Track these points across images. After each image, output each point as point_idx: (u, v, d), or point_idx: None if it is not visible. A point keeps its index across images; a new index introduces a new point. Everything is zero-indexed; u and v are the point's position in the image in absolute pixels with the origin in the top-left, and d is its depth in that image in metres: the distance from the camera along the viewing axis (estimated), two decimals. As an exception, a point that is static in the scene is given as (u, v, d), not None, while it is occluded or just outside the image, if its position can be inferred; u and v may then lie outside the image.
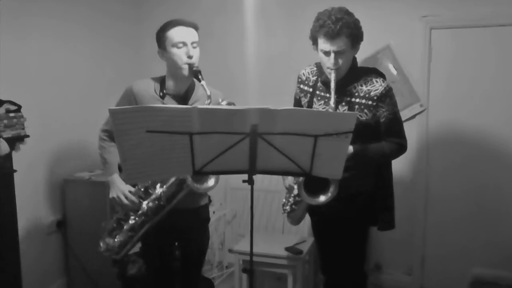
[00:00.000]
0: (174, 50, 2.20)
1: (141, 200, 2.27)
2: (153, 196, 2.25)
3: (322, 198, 2.25)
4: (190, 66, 2.20)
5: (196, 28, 2.26)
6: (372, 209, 2.50)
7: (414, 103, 3.42)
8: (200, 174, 1.90)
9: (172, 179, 2.21)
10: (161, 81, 2.33)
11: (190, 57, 2.19)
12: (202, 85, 2.14)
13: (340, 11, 2.22)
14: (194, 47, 2.22)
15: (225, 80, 3.69)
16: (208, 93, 2.10)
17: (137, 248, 2.48)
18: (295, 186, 2.41)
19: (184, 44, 2.20)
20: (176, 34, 2.20)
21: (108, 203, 2.37)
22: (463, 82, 3.34)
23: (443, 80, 3.39)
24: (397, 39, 3.42)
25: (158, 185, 2.25)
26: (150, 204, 2.25)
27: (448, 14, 3.30)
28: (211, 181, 2.19)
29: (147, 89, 2.29)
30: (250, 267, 2.08)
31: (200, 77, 2.16)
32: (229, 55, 3.89)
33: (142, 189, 2.28)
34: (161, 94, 2.29)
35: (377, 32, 3.34)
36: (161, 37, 2.24)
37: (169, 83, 2.31)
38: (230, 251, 3.29)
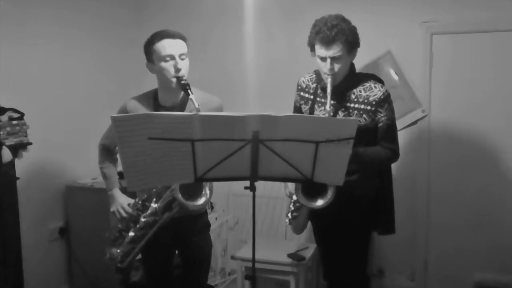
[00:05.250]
0: (162, 64, 2.17)
1: (139, 213, 2.28)
2: (149, 211, 2.24)
3: (320, 202, 2.24)
4: (179, 79, 2.16)
5: (183, 39, 2.22)
6: (373, 212, 2.51)
7: (416, 109, 3.42)
8: (202, 181, 1.90)
9: (166, 194, 2.20)
10: (154, 94, 2.32)
11: (178, 70, 2.16)
12: (191, 98, 2.08)
13: (336, 18, 2.26)
14: (182, 59, 2.19)
15: (225, 86, 3.70)
16: (197, 106, 2.03)
17: (140, 255, 2.49)
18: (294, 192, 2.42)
19: (172, 57, 2.16)
20: (163, 47, 2.16)
21: (110, 213, 2.39)
22: (464, 87, 3.34)
23: (444, 85, 3.39)
24: (398, 45, 3.43)
25: (153, 200, 2.24)
26: (147, 218, 2.25)
27: (448, 20, 3.30)
28: (201, 200, 2.15)
29: (141, 105, 2.28)
30: (253, 274, 2.08)
31: (188, 90, 2.11)
32: (229, 61, 3.89)
33: (140, 202, 2.29)
34: (155, 109, 2.27)
35: (378, 38, 3.36)
36: (148, 50, 2.22)
37: (162, 96, 2.29)
38: (233, 257, 3.29)
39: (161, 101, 2.29)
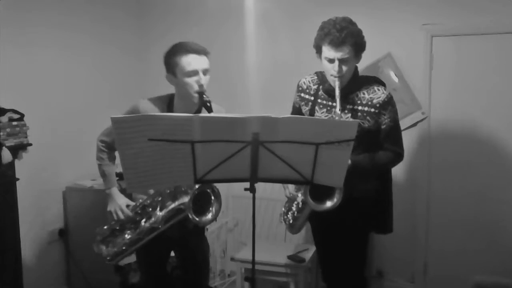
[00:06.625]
0: (186, 79, 2.15)
1: (138, 218, 2.27)
2: (153, 219, 2.23)
3: (329, 204, 2.27)
4: (200, 95, 2.15)
5: (207, 54, 2.20)
6: (372, 214, 2.51)
7: (416, 111, 3.42)
8: (202, 183, 1.90)
9: (173, 205, 2.19)
10: (169, 101, 2.29)
11: (201, 86, 2.15)
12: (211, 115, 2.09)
13: (344, 21, 2.28)
14: (205, 75, 2.18)
15: (228, 90, 3.71)
16: None
17: (133, 256, 2.49)
18: (299, 194, 2.42)
19: (196, 73, 2.15)
20: (188, 62, 2.14)
21: (106, 212, 2.38)
22: (464, 89, 3.34)
23: (444, 87, 3.39)
24: (398, 47, 3.43)
25: (158, 208, 2.23)
26: (148, 225, 2.24)
27: (448, 22, 3.31)
28: (210, 215, 2.18)
29: (154, 109, 2.24)
30: (252, 276, 2.08)
31: (210, 107, 2.11)
32: (232, 65, 3.89)
33: (140, 206, 2.28)
34: None
35: (378, 40, 3.34)
36: (171, 62, 2.18)
37: (178, 105, 2.27)
38: (232, 259, 3.29)
39: (175, 109, 2.27)
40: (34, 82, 3.27)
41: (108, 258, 2.36)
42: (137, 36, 4.13)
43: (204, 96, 2.14)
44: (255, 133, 1.77)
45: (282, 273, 3.13)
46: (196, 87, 2.15)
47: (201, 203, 2.16)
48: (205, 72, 2.18)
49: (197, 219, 2.13)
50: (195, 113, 2.25)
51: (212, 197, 2.17)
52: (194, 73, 2.15)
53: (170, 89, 2.33)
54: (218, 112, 2.22)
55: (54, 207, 3.46)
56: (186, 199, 2.13)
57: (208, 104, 2.12)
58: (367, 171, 2.38)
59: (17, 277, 2.95)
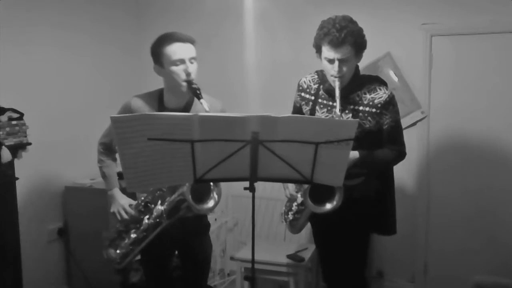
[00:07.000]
0: (172, 68, 2.15)
1: (142, 216, 2.27)
2: (155, 214, 2.23)
3: (328, 206, 2.26)
4: (189, 83, 2.14)
5: (193, 42, 2.20)
6: (373, 214, 2.50)
7: (415, 110, 3.42)
8: (202, 182, 1.90)
9: (173, 197, 2.19)
10: (159, 95, 2.30)
11: (188, 74, 2.14)
12: (201, 103, 2.08)
13: (344, 20, 2.24)
14: (192, 63, 2.17)
15: (227, 90, 3.70)
16: (207, 109, 2.04)
17: (139, 255, 2.48)
18: (299, 195, 2.41)
19: (182, 61, 2.14)
20: (174, 51, 2.14)
21: (109, 214, 2.38)
22: (464, 89, 3.34)
23: (444, 86, 3.39)
24: (398, 47, 3.43)
25: (159, 202, 2.23)
26: (152, 221, 2.23)
27: (448, 22, 3.31)
28: (210, 203, 2.17)
29: (146, 105, 2.26)
30: (252, 275, 2.08)
31: (199, 94, 2.10)
32: (231, 64, 3.89)
33: (143, 203, 2.28)
34: (159, 110, 2.25)
35: (377, 40, 3.34)
36: (157, 53, 2.19)
37: (168, 98, 2.27)
38: (232, 258, 3.29)
39: (166, 103, 2.27)
40: (34, 81, 3.27)
41: (117, 261, 2.36)
42: (136, 36, 4.13)
43: (193, 84, 2.13)
44: (254, 132, 1.76)
45: (282, 272, 3.13)
46: (183, 76, 2.15)
47: (201, 191, 2.15)
48: (191, 60, 2.17)
49: (197, 206, 2.13)
50: (185, 105, 2.27)
51: (212, 184, 2.16)
52: (181, 61, 2.14)
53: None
54: (214, 106, 2.22)
55: (54, 206, 3.46)
56: (184, 188, 2.12)
57: (198, 92, 2.10)
58: (374, 166, 2.37)
59: (17, 276, 2.95)
